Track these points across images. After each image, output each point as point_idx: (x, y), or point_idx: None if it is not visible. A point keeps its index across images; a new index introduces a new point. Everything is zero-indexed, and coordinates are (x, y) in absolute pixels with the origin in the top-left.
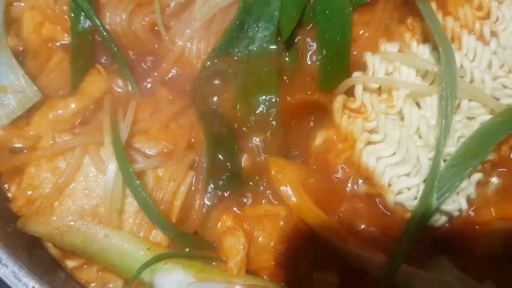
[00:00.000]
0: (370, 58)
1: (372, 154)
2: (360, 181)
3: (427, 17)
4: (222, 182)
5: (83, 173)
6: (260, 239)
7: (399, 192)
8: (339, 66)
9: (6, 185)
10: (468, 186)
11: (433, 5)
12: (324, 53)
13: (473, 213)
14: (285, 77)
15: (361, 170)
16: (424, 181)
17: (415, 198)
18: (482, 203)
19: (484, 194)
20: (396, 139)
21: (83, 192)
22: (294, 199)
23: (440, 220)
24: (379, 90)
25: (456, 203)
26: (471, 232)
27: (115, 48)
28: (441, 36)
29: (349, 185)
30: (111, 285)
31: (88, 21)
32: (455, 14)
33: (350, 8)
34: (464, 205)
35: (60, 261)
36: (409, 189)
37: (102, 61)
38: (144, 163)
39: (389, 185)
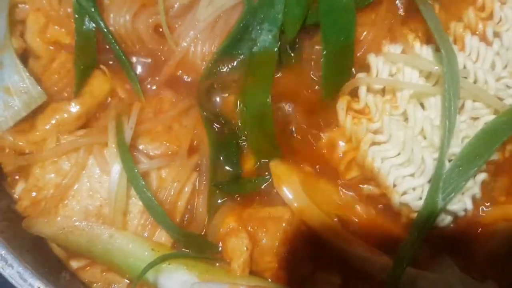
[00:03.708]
0: (373, 59)
1: (377, 155)
2: (365, 181)
3: (428, 18)
4: (225, 184)
5: (87, 174)
6: (263, 240)
7: (404, 193)
8: (343, 67)
9: (11, 186)
10: (473, 186)
11: (436, 6)
12: (328, 54)
13: (476, 213)
14: (288, 79)
15: (366, 171)
16: (429, 181)
17: (420, 198)
18: (485, 203)
19: (487, 194)
20: (400, 139)
21: (87, 193)
22: (296, 201)
23: (445, 220)
24: (383, 91)
25: (461, 203)
26: (474, 233)
27: (119, 50)
28: (442, 37)
29: (354, 186)
30: (115, 285)
31: (92, 22)
32: (458, 15)
33: (354, 9)
34: (469, 205)
35: (64, 262)
36: (414, 189)
37: (106, 62)
38: (147, 164)
39: (394, 185)
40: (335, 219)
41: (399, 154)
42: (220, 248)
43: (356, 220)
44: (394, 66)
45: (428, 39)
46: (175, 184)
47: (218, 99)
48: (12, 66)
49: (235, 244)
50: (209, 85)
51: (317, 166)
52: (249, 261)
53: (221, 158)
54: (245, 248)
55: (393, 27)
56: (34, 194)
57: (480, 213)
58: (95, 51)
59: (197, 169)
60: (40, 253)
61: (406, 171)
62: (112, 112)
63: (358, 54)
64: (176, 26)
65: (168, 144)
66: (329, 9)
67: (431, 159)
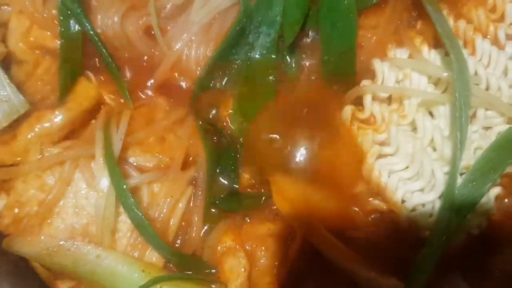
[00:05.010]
0: (378, 65)
1: (384, 168)
2: (371, 196)
3: (437, 21)
4: (222, 199)
5: (73, 190)
6: (262, 260)
7: (413, 209)
8: (345, 72)
9: None
10: (488, 202)
11: (445, 7)
12: (329, 59)
13: (490, 229)
14: (287, 86)
15: (372, 185)
16: (440, 197)
17: (431, 215)
18: (499, 219)
19: (501, 208)
20: (409, 151)
21: (73, 210)
22: (298, 218)
23: (458, 238)
24: (389, 99)
25: (475, 221)
26: (486, 249)
27: (107, 54)
28: (452, 41)
29: (359, 201)
30: None
31: (78, 25)
32: (467, 16)
33: (355, 12)
34: (483, 222)
35: (49, 283)
36: (423, 205)
37: (93, 68)
38: (138, 178)
39: (403, 201)
40: (339, 237)
41: (407, 167)
42: (216, 269)
43: (361, 238)
44: (401, 72)
45: (437, 43)
46: (168, 200)
47: (215, 107)
48: None
49: (232, 264)
50: (204, 92)
51: (321, 180)
52: (247, 283)
53: (219, 171)
54: (242, 269)
55: (399, 30)
56: (16, 210)
57: (494, 229)
58: (81, 55)
59: (192, 183)
60: (22, 274)
61: (415, 186)
62: (100, 122)
63: (362, 59)
64: (169, 28)
65: (160, 156)
66: (329, 11)
67: (442, 173)
